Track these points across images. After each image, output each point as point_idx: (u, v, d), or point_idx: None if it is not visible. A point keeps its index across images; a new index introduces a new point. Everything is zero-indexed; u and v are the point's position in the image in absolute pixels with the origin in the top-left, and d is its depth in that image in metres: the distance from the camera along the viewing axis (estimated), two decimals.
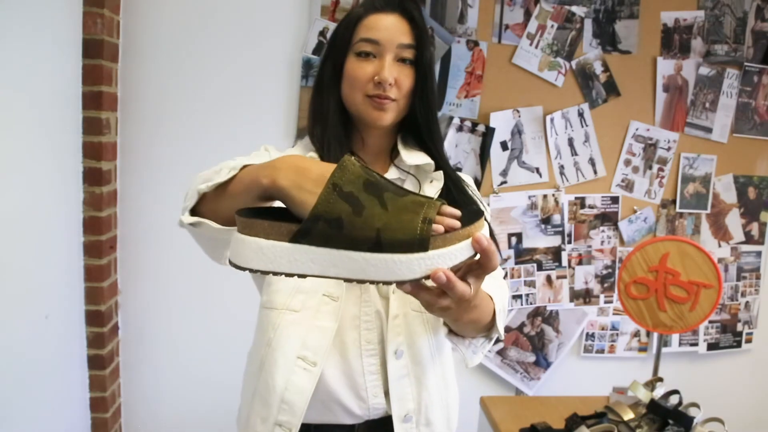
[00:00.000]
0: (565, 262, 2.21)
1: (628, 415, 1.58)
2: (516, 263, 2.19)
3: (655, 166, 2.22)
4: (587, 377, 2.30)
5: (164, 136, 2.01)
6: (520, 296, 2.21)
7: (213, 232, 0.76)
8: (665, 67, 2.16)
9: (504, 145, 2.13)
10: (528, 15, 2.07)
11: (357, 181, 0.60)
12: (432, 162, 1.01)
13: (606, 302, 2.27)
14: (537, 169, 2.16)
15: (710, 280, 1.64)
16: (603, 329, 2.29)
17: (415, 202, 0.60)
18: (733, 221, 2.30)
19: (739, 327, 2.37)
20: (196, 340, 2.12)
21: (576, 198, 2.20)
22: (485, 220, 0.68)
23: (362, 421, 0.98)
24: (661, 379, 1.69)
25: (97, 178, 1.88)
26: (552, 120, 2.13)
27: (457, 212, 0.62)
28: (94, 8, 1.79)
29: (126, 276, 2.07)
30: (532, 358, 2.27)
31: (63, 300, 1.83)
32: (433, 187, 1.01)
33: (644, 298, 1.70)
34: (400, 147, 1.02)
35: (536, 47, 2.09)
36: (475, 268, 0.65)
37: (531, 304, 2.23)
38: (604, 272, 2.25)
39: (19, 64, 1.52)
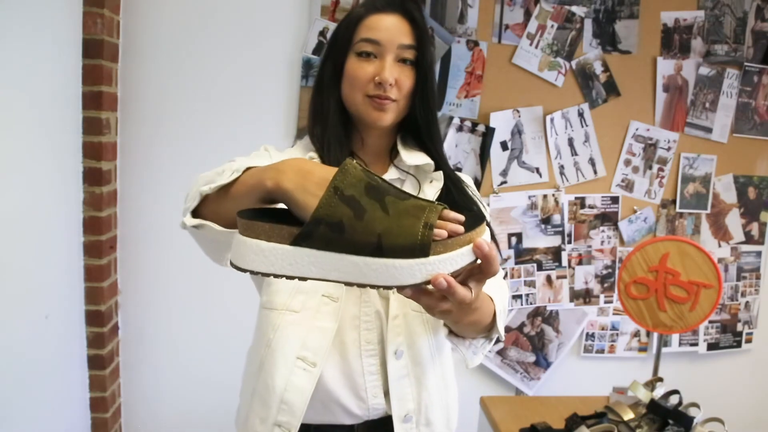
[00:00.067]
0: (565, 262, 2.21)
1: (628, 415, 1.58)
2: (516, 263, 2.19)
3: (655, 166, 2.22)
4: (587, 377, 2.30)
5: (164, 136, 2.01)
6: (520, 296, 2.21)
7: (215, 234, 0.76)
8: (665, 67, 2.16)
9: (504, 145, 2.13)
10: (528, 15, 2.08)
11: (358, 184, 0.60)
12: (432, 162, 1.01)
13: (606, 302, 2.27)
14: (537, 169, 2.16)
15: (710, 280, 1.64)
16: (603, 329, 2.29)
17: (416, 206, 0.60)
18: (733, 221, 2.30)
19: (739, 327, 2.37)
20: (196, 340, 2.12)
21: (576, 198, 2.20)
22: (486, 224, 0.68)
23: (362, 422, 0.98)
24: (661, 379, 1.69)
25: (97, 178, 1.88)
26: (552, 120, 2.13)
27: (461, 217, 0.62)
28: (94, 8, 1.79)
29: (126, 276, 2.07)
30: (532, 358, 2.27)
31: (63, 300, 1.83)
32: (432, 188, 1.01)
33: (644, 298, 1.70)
34: (399, 147, 1.02)
35: (536, 47, 2.09)
36: (476, 273, 0.65)
37: (531, 304, 2.23)
38: (604, 272, 2.25)
39: (19, 64, 1.52)
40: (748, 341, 2.39)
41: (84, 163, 1.87)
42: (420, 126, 1.00)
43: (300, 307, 0.95)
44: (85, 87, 1.83)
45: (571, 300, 2.24)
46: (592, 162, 2.19)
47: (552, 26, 2.09)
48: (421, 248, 0.59)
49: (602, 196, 2.21)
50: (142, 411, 2.16)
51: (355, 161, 0.62)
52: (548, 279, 2.22)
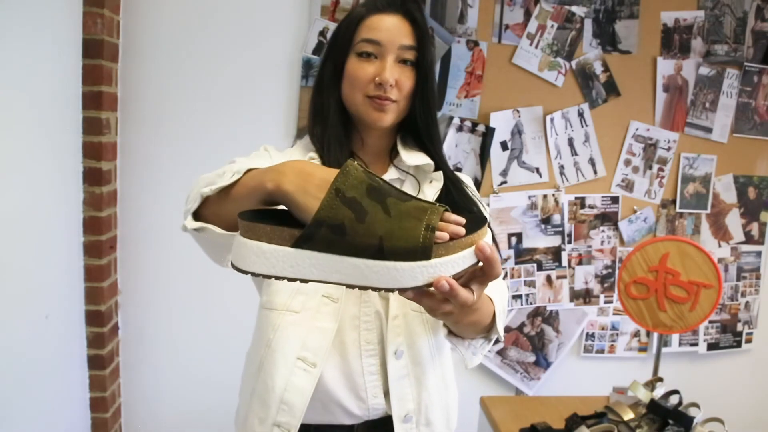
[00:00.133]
0: (565, 262, 2.21)
1: (628, 415, 1.58)
2: (516, 263, 2.19)
3: (655, 166, 2.22)
4: (587, 377, 2.30)
5: (164, 136, 2.01)
6: (520, 296, 2.21)
7: (216, 237, 0.76)
8: (665, 67, 2.16)
9: (504, 145, 2.12)
10: (528, 15, 2.07)
11: (360, 186, 0.60)
12: (431, 162, 1.01)
13: (606, 302, 2.27)
14: (537, 169, 2.16)
15: (710, 280, 1.64)
16: (603, 329, 2.29)
17: (418, 208, 0.60)
18: (733, 221, 2.30)
19: (739, 327, 2.37)
20: (196, 340, 2.12)
21: (576, 198, 2.20)
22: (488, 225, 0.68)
23: (361, 422, 0.98)
24: (661, 379, 1.69)
25: (97, 178, 1.88)
26: (552, 120, 2.13)
27: (461, 219, 0.62)
28: (94, 8, 1.79)
29: (126, 276, 2.07)
30: (532, 358, 2.27)
31: (63, 300, 1.83)
32: (432, 188, 1.01)
33: (644, 298, 1.70)
34: (399, 147, 1.02)
35: (536, 47, 2.09)
36: (478, 275, 0.65)
37: (531, 304, 2.23)
38: (604, 272, 2.25)
39: (19, 64, 1.52)
40: (748, 341, 2.39)
41: (84, 163, 1.87)
42: (420, 127, 1.00)
43: (300, 307, 0.95)
44: (85, 87, 1.83)
45: (571, 300, 2.24)
46: (592, 162, 2.19)
47: (552, 26, 2.09)
48: (422, 251, 0.59)
49: (602, 196, 2.21)
50: (142, 411, 2.16)
51: (356, 162, 0.62)
52: (548, 279, 2.22)
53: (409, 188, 1.02)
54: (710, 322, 2.34)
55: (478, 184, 2.11)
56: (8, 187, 1.51)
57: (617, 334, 2.30)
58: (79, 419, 1.96)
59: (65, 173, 1.81)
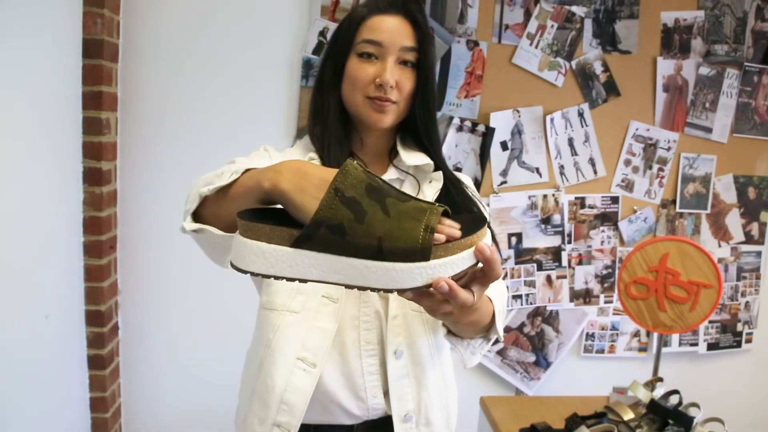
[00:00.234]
0: (565, 262, 2.21)
1: (628, 415, 1.57)
2: (516, 263, 2.19)
3: (655, 166, 2.22)
4: (587, 377, 2.30)
5: (164, 136, 2.01)
6: (520, 296, 2.21)
7: (215, 238, 0.76)
8: (665, 67, 2.16)
9: (504, 145, 2.12)
10: (528, 15, 2.07)
11: (359, 185, 0.60)
12: (431, 162, 1.01)
13: (606, 302, 2.27)
14: (537, 169, 2.15)
15: (710, 280, 1.64)
16: (603, 329, 2.29)
17: (417, 209, 0.60)
18: (733, 221, 2.30)
19: (739, 327, 2.37)
20: (196, 340, 2.12)
21: (576, 198, 2.20)
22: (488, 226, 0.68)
23: (361, 422, 0.98)
24: (661, 379, 1.69)
25: (97, 178, 1.88)
26: (552, 120, 2.13)
27: (456, 224, 0.61)
28: (94, 8, 1.79)
29: (126, 276, 2.07)
30: (532, 358, 2.27)
31: (63, 300, 1.83)
32: (432, 188, 1.01)
33: (644, 298, 1.70)
34: (399, 148, 1.02)
35: (536, 47, 2.09)
36: (479, 277, 0.65)
37: (531, 304, 2.23)
38: (604, 272, 2.25)
39: (19, 64, 1.52)
40: (748, 341, 2.39)
41: (84, 163, 1.87)
42: (419, 128, 1.00)
43: (300, 307, 0.95)
44: (85, 87, 1.83)
45: (571, 300, 2.24)
46: (592, 162, 2.19)
47: (552, 26, 2.09)
48: (421, 252, 0.59)
49: (602, 196, 2.21)
50: (142, 411, 2.16)
51: (355, 162, 0.62)
52: (548, 279, 2.22)
53: (408, 188, 1.02)
54: (710, 322, 2.34)
55: (478, 184, 2.11)
56: (8, 187, 1.51)
57: (617, 334, 2.30)
58: (79, 419, 1.96)
59: (65, 173, 1.81)
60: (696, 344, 2.35)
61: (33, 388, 1.67)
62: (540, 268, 2.21)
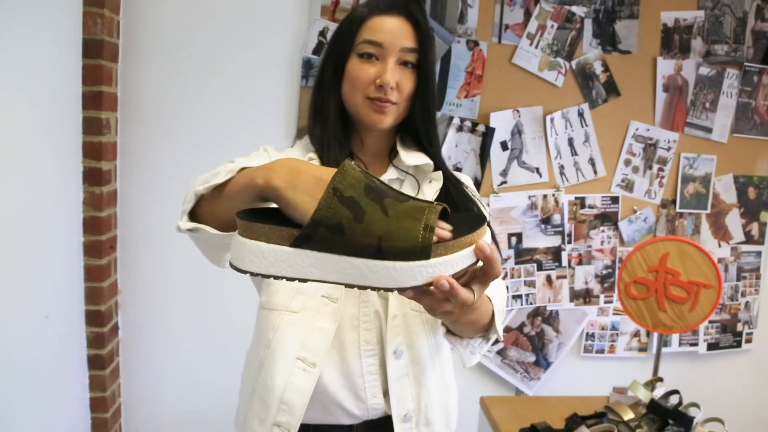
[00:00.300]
0: (565, 262, 2.21)
1: (628, 415, 1.57)
2: (516, 263, 2.19)
3: (655, 166, 2.22)
4: (587, 377, 2.30)
5: (164, 136, 2.01)
6: (520, 296, 2.21)
7: (211, 237, 0.76)
8: (665, 67, 2.16)
9: (504, 145, 2.12)
10: (528, 15, 2.07)
11: (358, 185, 0.60)
12: (431, 162, 1.01)
13: (606, 302, 2.27)
14: (537, 169, 2.15)
15: (710, 280, 1.64)
16: (603, 329, 2.29)
17: (415, 208, 0.60)
18: (733, 221, 2.30)
19: (739, 327, 2.37)
20: (195, 340, 2.12)
21: (576, 198, 2.20)
22: (488, 225, 0.68)
23: (361, 422, 0.98)
24: (661, 379, 1.69)
25: (97, 178, 1.88)
26: (552, 120, 2.13)
27: (448, 226, 0.62)
28: (94, 8, 1.79)
29: (126, 276, 2.07)
30: (532, 358, 2.27)
31: (63, 300, 1.83)
32: (431, 188, 1.01)
33: (644, 298, 1.70)
34: (399, 148, 1.02)
35: (536, 47, 2.09)
36: (479, 275, 0.65)
37: (531, 304, 2.23)
38: (604, 272, 2.25)
39: (19, 64, 1.53)
40: (748, 341, 2.39)
41: (84, 163, 1.87)
42: (418, 128, 1.00)
43: (299, 307, 0.95)
44: (85, 87, 1.83)
45: (571, 300, 2.24)
46: (592, 162, 2.19)
47: (552, 26, 2.09)
48: (421, 250, 0.59)
49: (602, 196, 2.21)
50: (142, 411, 2.16)
51: (353, 162, 0.62)
52: (548, 279, 2.22)
53: (408, 188, 1.02)
54: (710, 322, 2.34)
55: (478, 184, 2.11)
56: (8, 187, 1.51)
57: (617, 334, 2.30)
58: (79, 419, 1.96)
59: (65, 173, 1.81)
60: (696, 344, 2.35)
61: (33, 388, 1.67)
62: (540, 268, 2.21)
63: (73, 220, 1.86)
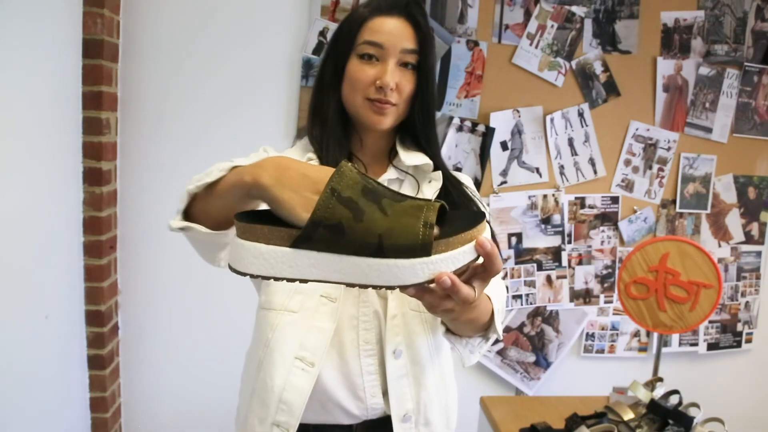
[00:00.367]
0: (565, 262, 2.21)
1: (628, 415, 1.57)
2: (516, 263, 2.19)
3: (655, 166, 2.22)
4: (587, 377, 2.30)
5: (164, 136, 2.01)
6: (520, 296, 2.21)
7: (202, 236, 0.76)
8: (665, 67, 2.16)
9: (504, 145, 2.12)
10: (528, 15, 2.07)
11: (355, 186, 0.60)
12: (431, 162, 1.02)
13: (606, 302, 2.27)
14: (537, 169, 2.15)
15: (710, 280, 1.64)
16: (603, 329, 2.29)
17: (414, 207, 0.60)
18: (733, 221, 2.30)
19: (739, 327, 2.37)
20: (195, 340, 2.12)
21: (576, 198, 2.20)
22: (487, 221, 0.68)
23: (360, 422, 0.98)
24: (661, 379, 1.69)
25: (97, 178, 1.88)
26: (552, 120, 2.13)
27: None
28: (94, 8, 1.79)
29: (126, 276, 2.07)
30: (532, 358, 2.27)
31: (63, 300, 1.83)
32: (431, 188, 1.01)
33: (644, 298, 1.70)
34: (398, 148, 1.02)
35: (536, 47, 2.09)
36: (479, 272, 0.65)
37: (531, 304, 2.23)
38: (604, 272, 2.25)
39: (19, 64, 1.53)
40: (748, 341, 2.39)
41: (84, 163, 1.87)
42: (417, 129, 1.00)
43: (298, 307, 0.95)
44: (85, 87, 1.83)
45: (571, 300, 2.24)
46: (592, 162, 2.19)
47: (552, 26, 2.09)
48: (422, 247, 0.59)
49: (602, 196, 2.21)
50: (142, 411, 2.16)
51: (350, 164, 0.62)
52: (548, 279, 2.22)
53: (408, 188, 1.02)
54: (710, 322, 2.34)
55: (478, 184, 2.11)
56: (8, 187, 1.51)
57: (617, 334, 2.30)
58: (79, 419, 1.96)
59: (65, 173, 1.81)
60: (696, 344, 2.35)
61: (33, 388, 1.67)
62: (540, 268, 2.21)
63: (73, 220, 1.86)
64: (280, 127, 2.05)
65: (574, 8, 2.09)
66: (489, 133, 2.09)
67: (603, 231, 2.23)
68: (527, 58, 2.09)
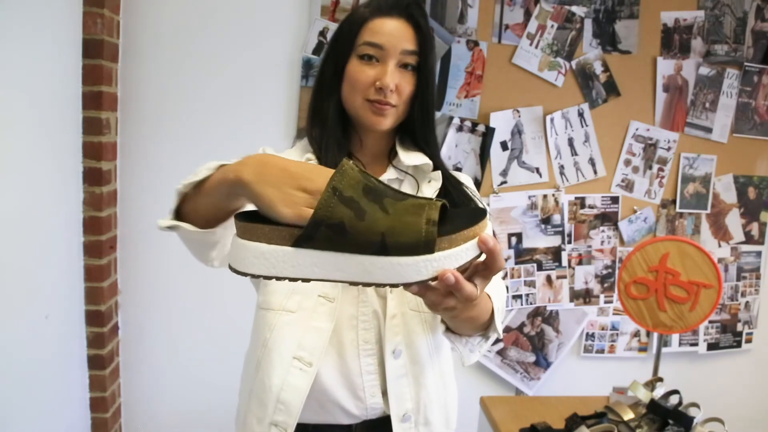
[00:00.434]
0: (565, 262, 2.21)
1: (628, 415, 1.57)
2: (516, 263, 2.19)
3: (655, 166, 2.22)
4: (587, 377, 2.30)
5: (164, 136, 2.01)
6: (520, 296, 2.21)
7: (190, 234, 0.76)
8: (665, 67, 2.16)
9: (504, 145, 2.12)
10: (528, 15, 2.07)
11: (357, 185, 0.60)
12: (430, 162, 1.02)
13: (606, 302, 2.27)
14: (537, 169, 2.15)
15: (710, 280, 1.64)
16: (603, 329, 2.29)
17: (415, 205, 0.60)
18: (733, 221, 2.30)
19: (739, 327, 2.37)
20: (195, 340, 2.12)
21: (576, 198, 2.20)
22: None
23: (360, 421, 0.98)
24: (661, 379, 1.69)
25: (97, 178, 1.88)
26: (552, 120, 2.13)
27: None
28: (94, 8, 1.79)
29: (126, 276, 2.07)
30: (532, 358, 2.27)
31: (63, 300, 1.84)
32: (431, 187, 1.01)
33: (644, 298, 1.70)
34: (398, 148, 1.02)
35: (536, 47, 2.09)
36: (481, 269, 0.65)
37: (531, 304, 2.23)
38: (604, 272, 2.25)
39: (19, 64, 1.53)
40: (748, 341, 2.39)
41: (84, 163, 1.87)
42: (416, 130, 1.00)
43: (296, 307, 0.95)
44: (85, 87, 1.83)
45: (571, 300, 2.24)
46: (592, 162, 2.19)
47: (552, 26, 2.09)
48: (425, 245, 0.59)
49: (602, 196, 2.21)
50: (142, 411, 2.16)
51: (351, 162, 0.62)
52: (548, 279, 2.22)
53: (407, 188, 1.02)
54: (710, 322, 2.34)
55: (478, 184, 2.11)
56: (8, 187, 1.51)
57: (617, 334, 2.30)
58: (79, 419, 1.96)
59: (65, 173, 1.81)
60: (696, 344, 2.35)
61: (33, 388, 1.67)
62: (540, 268, 2.21)
63: (73, 220, 1.86)
64: (280, 127, 2.05)
65: (574, 8, 2.09)
66: (489, 133, 2.09)
67: (603, 231, 2.23)
68: (527, 58, 2.09)
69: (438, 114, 2.04)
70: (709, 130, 2.22)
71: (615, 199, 2.22)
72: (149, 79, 1.98)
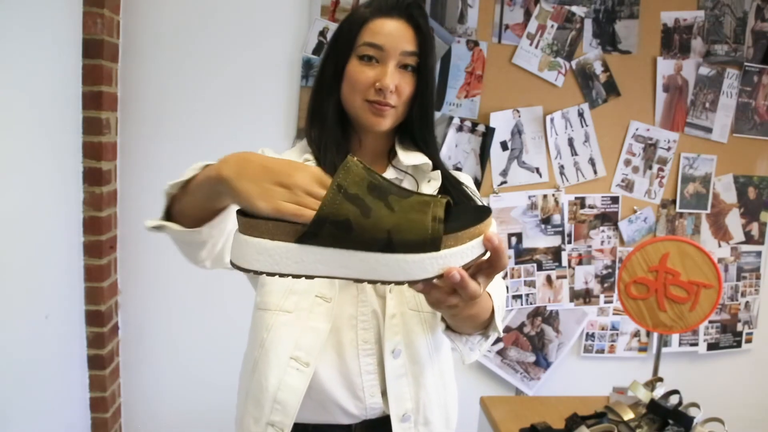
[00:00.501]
0: (565, 262, 2.21)
1: (628, 415, 1.57)
2: (516, 263, 2.19)
3: (655, 166, 2.22)
4: (587, 377, 2.30)
5: (164, 136, 2.01)
6: (520, 296, 2.21)
7: (176, 234, 0.77)
8: (665, 67, 2.16)
9: (504, 145, 2.12)
10: (528, 15, 2.07)
11: (361, 183, 0.60)
12: (429, 162, 1.02)
13: (606, 302, 2.27)
14: (537, 169, 2.15)
15: (710, 280, 1.64)
16: (603, 329, 2.29)
17: (421, 202, 0.60)
18: (733, 221, 2.30)
19: (739, 327, 2.37)
20: (195, 340, 2.12)
21: (576, 198, 2.20)
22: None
23: (359, 421, 0.98)
24: (661, 379, 1.69)
25: (97, 178, 1.88)
26: (552, 120, 2.13)
27: None
28: (94, 8, 1.79)
29: (126, 276, 2.07)
30: (532, 358, 2.27)
31: (63, 300, 1.84)
32: (431, 187, 1.01)
33: (644, 298, 1.69)
34: (397, 148, 1.02)
35: (536, 47, 2.09)
36: (484, 268, 0.65)
37: (531, 304, 2.23)
38: (604, 272, 2.25)
39: (19, 64, 1.53)
40: (748, 341, 2.39)
41: (84, 163, 1.87)
42: (415, 131, 1.00)
43: (293, 307, 0.95)
44: (85, 87, 1.83)
45: (571, 300, 2.24)
46: (592, 162, 2.19)
47: (552, 26, 2.09)
48: (432, 242, 0.58)
49: (602, 196, 2.21)
50: (142, 411, 2.16)
51: (356, 159, 0.61)
52: (548, 279, 2.22)
53: (407, 187, 1.02)
54: (710, 322, 2.34)
55: (478, 184, 2.11)
56: (8, 187, 1.51)
57: (617, 334, 2.30)
58: (79, 419, 1.96)
59: (65, 173, 1.81)
60: (696, 344, 2.35)
61: (33, 388, 1.67)
62: (540, 268, 2.21)
63: (73, 220, 1.86)
64: (280, 127, 2.05)
65: (574, 8, 2.09)
66: (489, 133, 2.09)
67: (603, 231, 2.23)
68: (527, 58, 2.09)
69: (438, 114, 2.04)
70: (709, 130, 2.22)
71: (615, 199, 2.22)
72: (149, 79, 1.98)
